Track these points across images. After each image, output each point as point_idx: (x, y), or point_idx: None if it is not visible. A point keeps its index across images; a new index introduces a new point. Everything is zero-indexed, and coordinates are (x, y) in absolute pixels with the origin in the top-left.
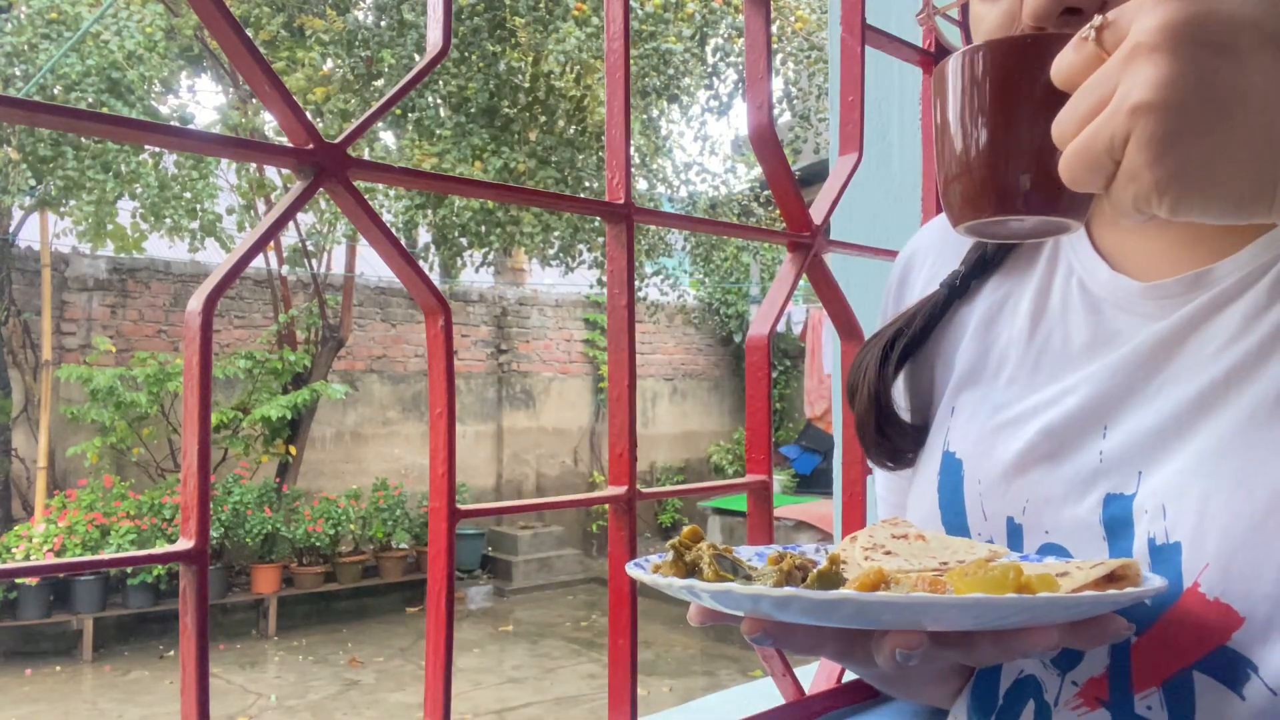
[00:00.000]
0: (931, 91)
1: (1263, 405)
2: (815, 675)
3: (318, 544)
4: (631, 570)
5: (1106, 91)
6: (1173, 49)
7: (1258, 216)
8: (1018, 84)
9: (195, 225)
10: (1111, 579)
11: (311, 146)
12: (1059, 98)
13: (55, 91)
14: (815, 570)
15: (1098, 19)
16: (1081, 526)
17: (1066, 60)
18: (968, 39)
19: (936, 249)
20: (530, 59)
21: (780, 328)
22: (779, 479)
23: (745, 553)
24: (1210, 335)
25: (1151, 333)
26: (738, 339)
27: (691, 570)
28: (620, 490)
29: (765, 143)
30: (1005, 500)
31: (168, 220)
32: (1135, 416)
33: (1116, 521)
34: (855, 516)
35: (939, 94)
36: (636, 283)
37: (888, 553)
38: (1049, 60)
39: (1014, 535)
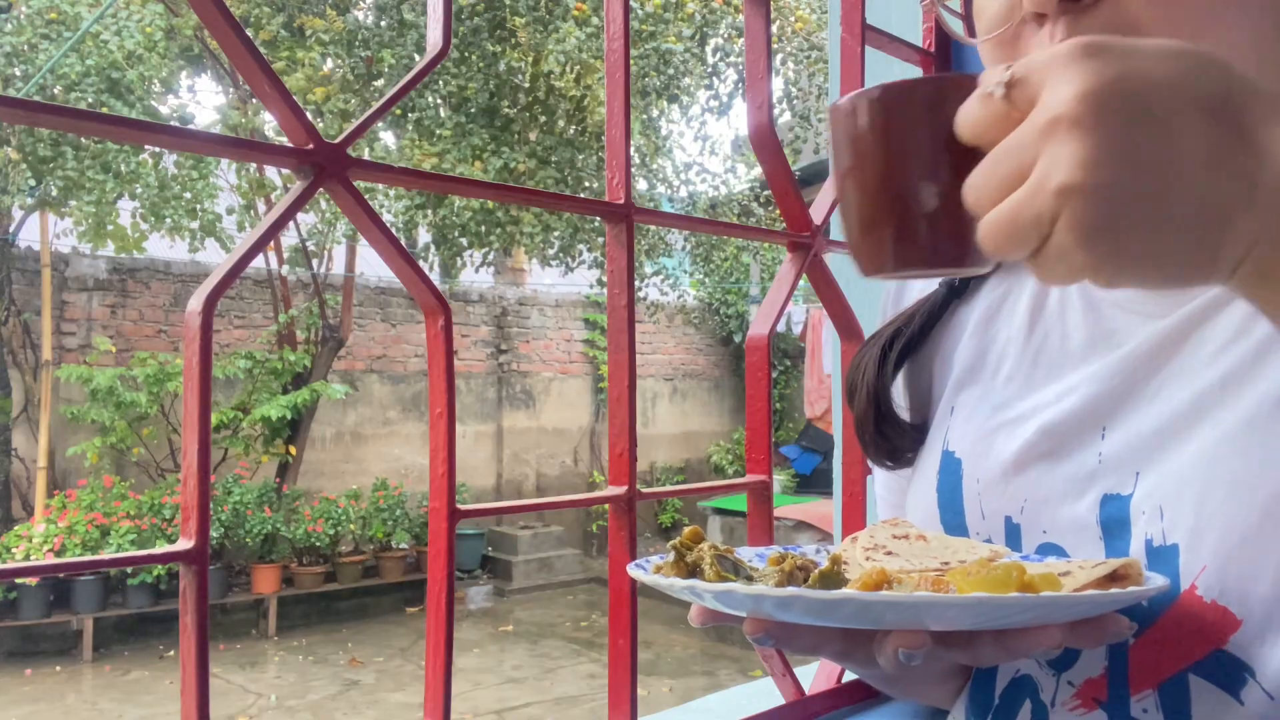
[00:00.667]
0: (829, 135)
1: (1261, 408)
2: (815, 675)
3: (318, 544)
4: (633, 571)
5: (1026, 160)
6: (1095, 123)
7: (1201, 284)
8: (918, 133)
9: (195, 225)
10: (1113, 578)
11: (311, 146)
12: (965, 149)
13: (55, 91)
14: (817, 570)
15: (1005, 73)
16: (1079, 526)
17: (974, 115)
18: (970, 31)
19: None
20: (530, 59)
21: (780, 328)
22: (779, 479)
23: (746, 553)
24: (1208, 336)
25: (1150, 333)
26: (738, 339)
27: (693, 571)
28: (620, 490)
29: (765, 143)
30: (1004, 499)
31: (168, 220)
32: (1134, 418)
33: (1113, 521)
34: (855, 516)
35: (835, 141)
36: (636, 283)
37: (889, 553)
38: (951, 108)
39: (1012, 534)
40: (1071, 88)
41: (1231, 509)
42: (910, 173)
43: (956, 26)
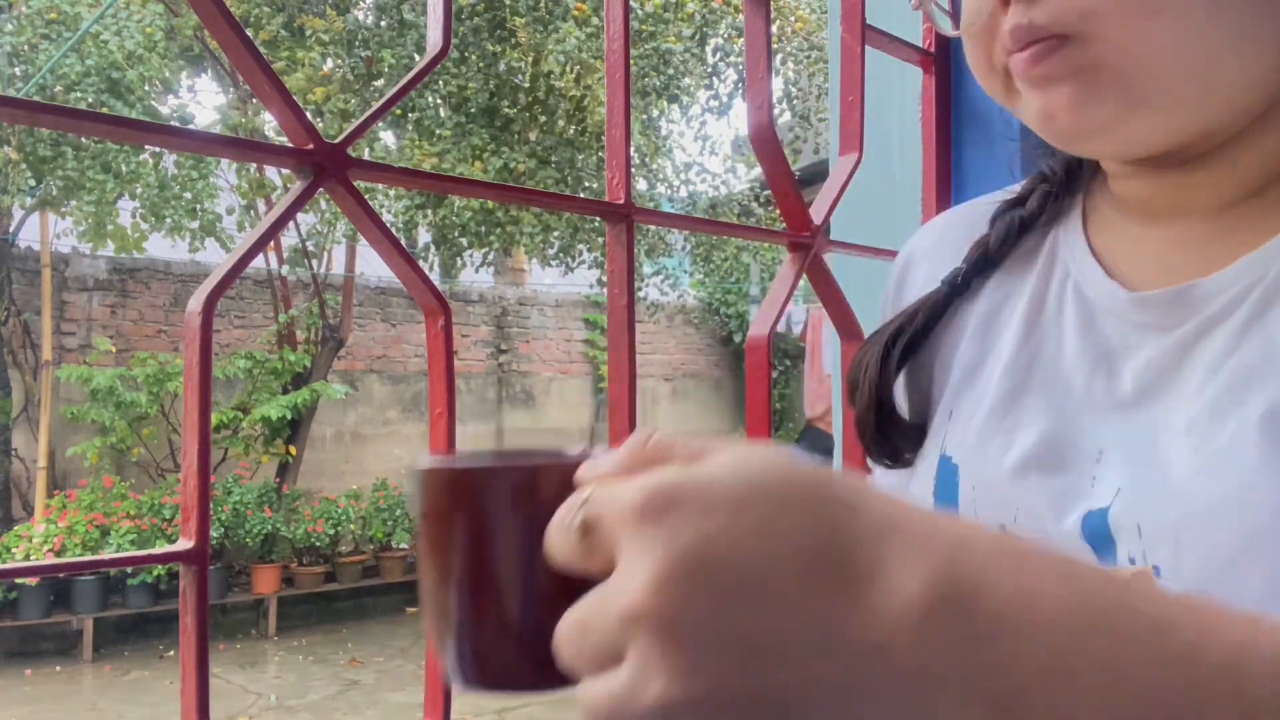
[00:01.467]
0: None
1: (1239, 435)
2: None
3: (318, 544)
4: None
5: (614, 642)
6: (674, 621)
7: None
8: (498, 526)
9: (195, 225)
10: None
11: (311, 146)
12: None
13: (55, 91)
14: None
15: (579, 511)
16: (1066, 539)
17: (556, 545)
18: (958, 27)
19: (934, 250)
20: (530, 59)
21: (780, 328)
22: None
23: None
24: (1201, 359)
25: (1147, 359)
26: (738, 339)
27: None
28: None
29: (765, 143)
30: (998, 508)
31: (168, 220)
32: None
33: (1096, 537)
34: None
35: (414, 509)
36: (636, 283)
37: None
38: (545, 498)
39: None
40: (642, 571)
41: (1210, 538)
42: (488, 573)
43: (945, 23)
